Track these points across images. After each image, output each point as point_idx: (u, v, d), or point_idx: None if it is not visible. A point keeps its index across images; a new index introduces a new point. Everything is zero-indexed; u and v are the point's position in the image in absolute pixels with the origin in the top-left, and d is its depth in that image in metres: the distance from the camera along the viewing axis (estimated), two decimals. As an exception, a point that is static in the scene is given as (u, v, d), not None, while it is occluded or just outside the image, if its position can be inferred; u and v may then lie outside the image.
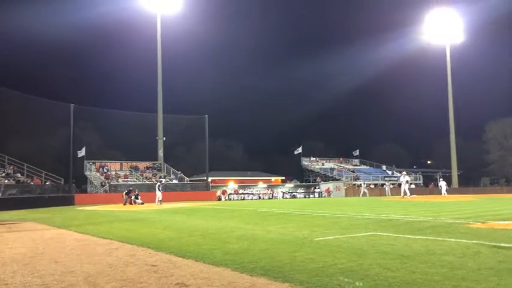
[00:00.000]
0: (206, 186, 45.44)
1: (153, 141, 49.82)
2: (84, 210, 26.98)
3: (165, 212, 22.34)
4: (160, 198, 31.14)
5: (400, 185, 36.81)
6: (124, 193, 32.51)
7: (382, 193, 49.13)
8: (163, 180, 41.79)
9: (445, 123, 64.51)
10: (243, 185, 53.58)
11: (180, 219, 16.83)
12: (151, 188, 36.00)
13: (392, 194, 47.40)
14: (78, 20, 61.02)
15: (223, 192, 47.08)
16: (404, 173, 35.48)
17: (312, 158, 63.74)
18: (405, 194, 32.28)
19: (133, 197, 33.07)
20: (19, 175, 35.63)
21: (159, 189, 31.81)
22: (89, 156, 44.06)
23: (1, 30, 64.38)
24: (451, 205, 21.64)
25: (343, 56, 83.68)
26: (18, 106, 44.56)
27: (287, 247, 8.21)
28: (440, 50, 64.39)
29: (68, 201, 34.27)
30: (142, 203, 32.05)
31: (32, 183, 35.20)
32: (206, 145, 47.28)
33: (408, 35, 65.86)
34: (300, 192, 52.02)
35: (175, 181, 44.45)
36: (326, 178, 57.89)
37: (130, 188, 34.95)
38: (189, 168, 56.98)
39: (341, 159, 67.04)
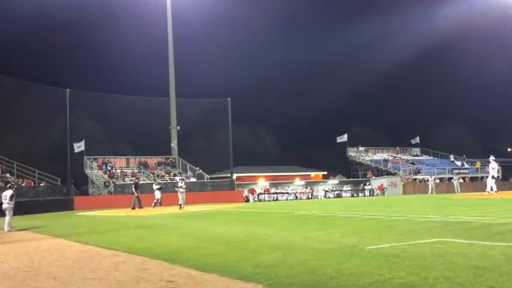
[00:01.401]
0: (230, 185, 45.74)
1: (165, 131, 50.35)
2: (85, 215, 27.58)
3: (181, 216, 22.61)
4: (180, 202, 30.60)
5: (490, 177, 32.45)
6: (133, 188, 32.84)
7: (450, 189, 48.30)
8: (178, 178, 42.26)
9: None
10: (275, 183, 53.63)
11: (200, 225, 17.01)
12: (165, 189, 36.38)
13: (462, 190, 46.52)
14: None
15: (252, 192, 47.31)
16: (492, 158, 32.24)
17: (361, 148, 63.12)
18: (491, 188, 30.32)
19: (155, 187, 33.72)
20: (8, 175, 36.70)
21: (179, 189, 31.34)
22: (90, 151, 44.83)
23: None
24: (538, 203, 21.08)
25: (394, 20, 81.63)
26: (3, 93, 45.57)
27: (331, 258, 8.19)
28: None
29: (66, 205, 35.14)
30: (156, 203, 32.47)
31: (23, 184, 36.22)
32: (229, 134, 47.48)
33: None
34: (347, 190, 51.75)
35: (192, 179, 44.91)
36: (379, 172, 57.28)
37: (137, 180, 35.42)
38: (209, 163, 57.28)
39: (397, 148, 66.13)
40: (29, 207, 30.27)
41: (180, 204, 29.69)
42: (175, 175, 45.02)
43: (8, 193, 17.87)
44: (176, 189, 31.14)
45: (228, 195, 42.72)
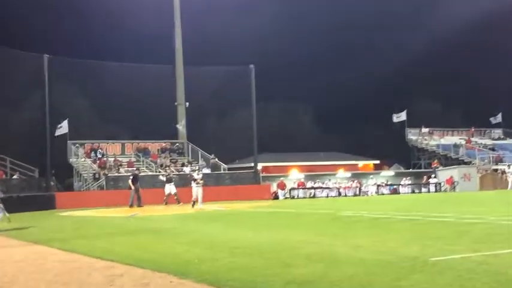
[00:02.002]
0: (255, 178, 45.79)
1: (170, 109, 50.48)
2: (70, 216, 27.93)
3: (192, 218, 22.75)
4: (195, 198, 30.19)
5: None
6: (130, 181, 33.01)
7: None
8: (187, 169, 42.31)
9: None
10: (312, 175, 53.51)
11: (216, 229, 17.11)
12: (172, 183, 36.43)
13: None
14: None
15: (282, 187, 47.28)
16: None
17: (424, 129, 62.54)
18: None
19: (162, 177, 33.86)
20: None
21: (196, 183, 30.90)
22: (75, 134, 45.21)
23: None
24: None
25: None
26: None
27: (386, 272, 8.18)
28: None
29: (46, 203, 35.52)
30: (167, 198, 32.73)
31: (-8, 176, 36.83)
32: (253, 112, 47.36)
33: None
34: (405, 184, 51.42)
35: (206, 170, 45.01)
36: (447, 161, 56.75)
37: (137, 172, 35.57)
38: (227, 149, 57.46)
39: (472, 129, 65.30)
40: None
41: (194, 202, 29.52)
42: (183, 165, 45.19)
43: None
44: (195, 184, 30.44)
45: (252, 190, 42.81)
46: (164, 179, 34.37)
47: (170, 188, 33.57)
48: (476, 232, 12.90)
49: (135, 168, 39.38)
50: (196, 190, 30.08)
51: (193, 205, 29.65)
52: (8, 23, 70.15)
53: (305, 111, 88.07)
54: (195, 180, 30.55)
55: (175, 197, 33.18)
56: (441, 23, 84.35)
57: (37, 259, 11.78)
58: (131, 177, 33.93)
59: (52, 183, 40.67)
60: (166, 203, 33.19)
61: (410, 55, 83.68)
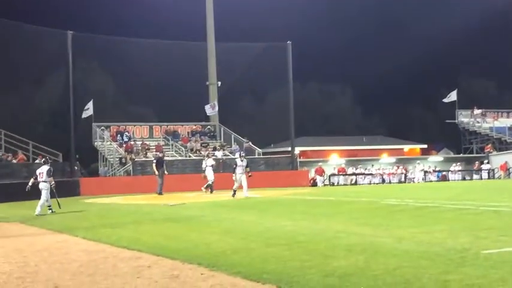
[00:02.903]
0: (291, 163, 45.75)
1: (200, 89, 50.55)
2: (95, 203, 28.28)
3: (224, 206, 22.81)
4: (236, 186, 29.15)
5: None
6: (154, 165, 33.05)
7: None
8: (216, 153, 42.37)
9: None
10: (354, 160, 53.34)
11: (250, 218, 17.14)
12: (198, 168, 36.35)
13: None
14: None
15: (321, 173, 47.22)
16: None
17: (476, 111, 61.74)
18: None
19: (209, 163, 33.87)
20: (-7, 149, 37.87)
21: (240, 170, 29.35)
22: (100, 116, 45.48)
23: None
24: None
25: None
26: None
27: (433, 266, 8.12)
28: None
29: (70, 190, 35.90)
30: (209, 186, 33.05)
31: (14, 161, 37.26)
32: (290, 93, 47.22)
33: None
34: (455, 170, 51.04)
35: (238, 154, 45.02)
36: (502, 145, 56.03)
37: (161, 155, 35.41)
38: (261, 133, 57.54)
39: (530, 110, 64.37)
40: (20, 191, 31.12)
41: (235, 191, 28.67)
42: (215, 149, 45.28)
43: (44, 169, 20.84)
44: (239, 172, 29.15)
45: (288, 176, 42.84)
46: (211, 162, 34.11)
47: (212, 174, 33.37)
48: (533, 223, 12.76)
49: (158, 152, 39.12)
50: (240, 177, 28.90)
51: (233, 194, 28.65)
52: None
53: (344, 92, 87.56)
54: (236, 166, 29.42)
55: (211, 183, 33.21)
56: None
57: (61, 248, 11.96)
58: (154, 161, 33.71)
59: (76, 168, 41.11)
60: (207, 189, 32.98)
61: (461, 30, 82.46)
